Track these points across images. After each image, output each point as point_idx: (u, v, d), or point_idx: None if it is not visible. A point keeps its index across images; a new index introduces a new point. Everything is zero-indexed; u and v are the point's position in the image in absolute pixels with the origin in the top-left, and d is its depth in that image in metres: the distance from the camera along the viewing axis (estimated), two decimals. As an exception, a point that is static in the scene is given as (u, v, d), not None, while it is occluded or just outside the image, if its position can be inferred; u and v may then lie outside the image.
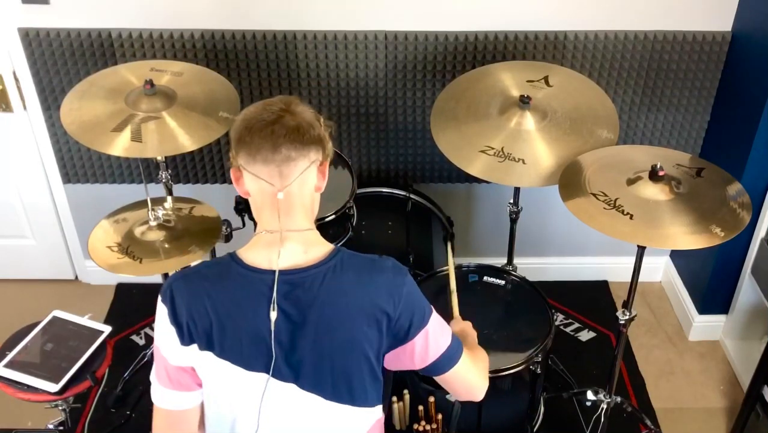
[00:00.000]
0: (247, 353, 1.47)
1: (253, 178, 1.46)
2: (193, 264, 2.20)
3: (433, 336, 1.53)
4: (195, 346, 1.47)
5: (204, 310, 1.45)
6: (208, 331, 1.45)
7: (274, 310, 1.44)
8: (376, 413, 1.61)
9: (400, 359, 1.54)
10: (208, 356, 1.47)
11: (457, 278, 2.20)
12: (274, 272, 1.45)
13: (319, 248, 1.51)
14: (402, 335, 1.50)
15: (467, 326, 1.89)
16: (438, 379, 1.62)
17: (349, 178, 2.59)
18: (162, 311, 1.48)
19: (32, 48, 2.68)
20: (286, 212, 1.47)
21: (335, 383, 1.51)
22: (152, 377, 1.56)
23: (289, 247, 1.48)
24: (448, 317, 1.91)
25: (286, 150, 1.43)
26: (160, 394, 1.55)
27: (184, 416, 1.56)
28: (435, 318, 1.55)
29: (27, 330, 2.26)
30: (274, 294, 1.44)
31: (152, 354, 2.83)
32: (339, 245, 1.80)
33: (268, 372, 1.47)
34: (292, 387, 1.50)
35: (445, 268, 2.47)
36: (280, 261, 1.46)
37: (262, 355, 1.46)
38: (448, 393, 2.19)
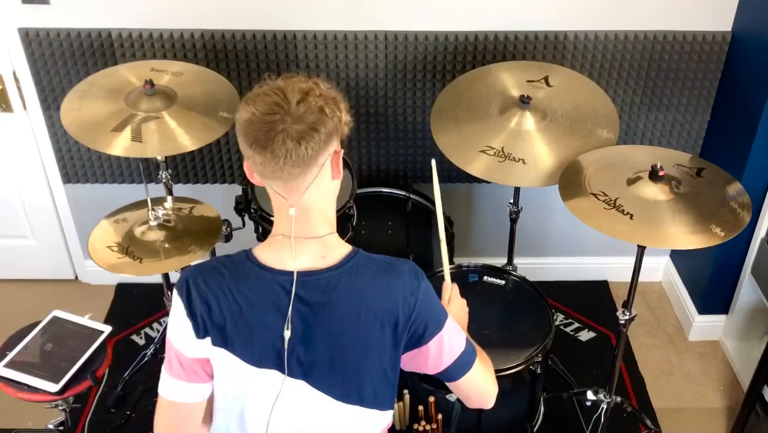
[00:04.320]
0: (259, 351, 1.46)
1: (264, 180, 1.44)
2: (194, 262, 2.22)
3: (448, 342, 1.52)
4: (209, 339, 1.46)
5: (218, 306, 1.44)
6: (221, 326, 1.45)
7: (288, 327, 1.43)
8: (386, 418, 1.59)
9: (415, 362, 1.54)
10: (220, 351, 1.47)
11: (457, 278, 2.19)
12: (289, 272, 1.43)
13: (338, 251, 1.48)
14: (416, 339, 1.49)
15: (456, 299, 1.80)
16: (451, 386, 1.60)
17: (349, 179, 2.59)
18: (178, 305, 1.46)
19: (32, 48, 2.68)
20: (302, 222, 1.44)
21: (346, 384, 1.49)
22: (163, 371, 1.53)
23: (307, 251, 1.45)
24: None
25: (290, 168, 1.36)
26: (171, 386, 1.52)
27: (190, 410, 1.55)
28: (450, 324, 1.53)
29: (27, 330, 2.26)
30: (292, 296, 1.42)
31: (152, 354, 2.85)
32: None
33: (280, 371, 1.46)
34: (301, 385, 1.48)
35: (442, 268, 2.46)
36: (297, 264, 1.44)
37: (273, 354, 1.45)
38: (448, 393, 2.21)
